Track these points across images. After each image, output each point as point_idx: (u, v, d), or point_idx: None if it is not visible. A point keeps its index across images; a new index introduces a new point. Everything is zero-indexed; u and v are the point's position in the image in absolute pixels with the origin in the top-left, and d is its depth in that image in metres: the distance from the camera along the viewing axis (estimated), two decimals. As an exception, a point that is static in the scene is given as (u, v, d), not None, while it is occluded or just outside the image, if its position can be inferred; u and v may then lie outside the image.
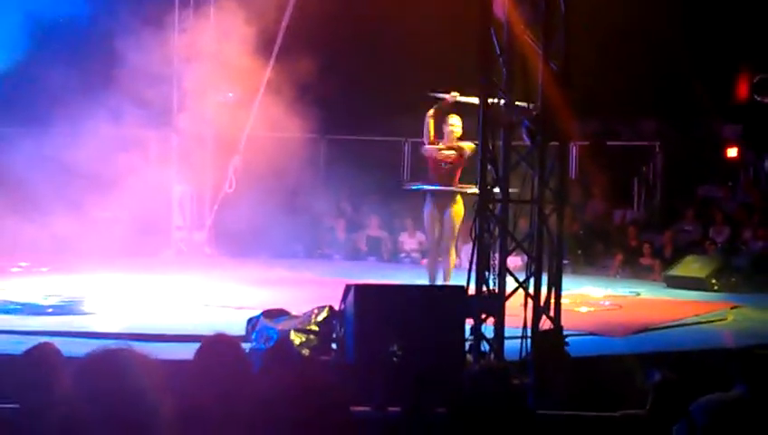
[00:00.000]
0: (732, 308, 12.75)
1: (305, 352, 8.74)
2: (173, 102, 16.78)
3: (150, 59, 15.21)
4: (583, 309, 12.12)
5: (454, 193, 11.79)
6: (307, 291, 12.10)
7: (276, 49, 15.73)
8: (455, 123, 11.86)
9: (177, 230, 17.94)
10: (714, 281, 14.53)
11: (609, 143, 17.36)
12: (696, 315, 11.98)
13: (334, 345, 8.89)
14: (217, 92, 16.60)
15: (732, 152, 17.48)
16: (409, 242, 17.96)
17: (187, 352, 4.75)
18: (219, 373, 4.29)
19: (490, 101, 8.90)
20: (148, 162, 16.61)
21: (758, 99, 14.66)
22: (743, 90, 15.33)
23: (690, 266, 14.96)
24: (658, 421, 5.17)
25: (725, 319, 12.09)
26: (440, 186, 11.84)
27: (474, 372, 6.20)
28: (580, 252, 16.67)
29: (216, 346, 4.41)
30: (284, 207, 16.94)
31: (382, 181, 18.41)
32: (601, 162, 16.77)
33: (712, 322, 11.80)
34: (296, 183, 17.00)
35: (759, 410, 5.29)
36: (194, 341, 4.87)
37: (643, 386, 4.89)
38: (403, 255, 17.95)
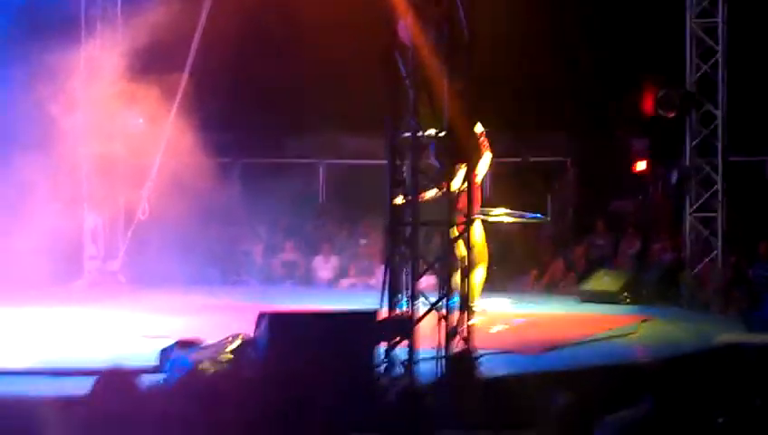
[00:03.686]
0: (642, 321, 12.94)
1: (219, 381, 8.68)
2: (81, 128, 16.51)
3: (57, 82, 15.06)
4: (497, 327, 12.18)
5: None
6: (223, 318, 12.01)
7: (186, 72, 15.64)
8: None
9: (90, 260, 17.70)
10: (625, 294, 14.71)
11: (520, 160, 17.50)
12: (609, 330, 12.12)
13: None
14: (127, 118, 16.42)
15: (641, 166, 17.72)
16: (324, 267, 17.89)
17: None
18: (114, 408, 4.24)
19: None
20: (59, 190, 16.35)
21: (661, 113, 14.90)
22: (648, 104, 15.57)
23: (602, 281, 15.13)
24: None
25: (636, 332, 12.26)
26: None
27: (390, 396, 6.25)
28: (495, 268, 16.74)
29: (110, 381, 4.35)
30: (199, 233, 16.81)
31: (298, 204, 18.35)
32: (513, 180, 16.91)
33: (623, 336, 11.96)
34: (211, 208, 16.88)
35: (663, 426, 5.36)
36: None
37: (547, 410, 4.94)
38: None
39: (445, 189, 9.24)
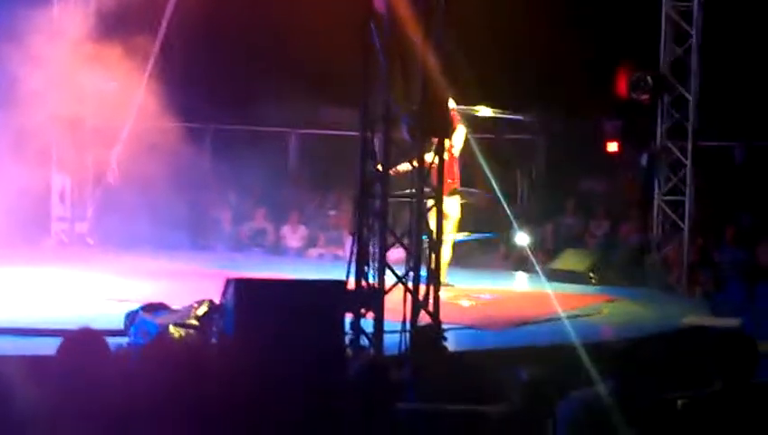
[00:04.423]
0: (608, 301, 13.04)
1: (184, 346, 8.68)
2: (50, 89, 16.34)
3: (26, 41, 14.94)
4: (464, 302, 12.24)
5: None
6: (189, 283, 12.00)
7: (160, 36, 15.56)
8: None
9: (58, 221, 17.61)
10: (592, 274, 14.81)
11: (490, 137, 17.51)
12: (574, 309, 12.20)
13: (214, 340, 8.84)
14: (98, 79, 16.28)
15: (612, 147, 17.79)
16: (292, 237, 17.90)
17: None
18: (82, 368, 4.27)
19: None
20: (27, 150, 16.23)
21: (635, 97, 14.97)
22: (622, 86, 15.62)
23: (569, 260, 15.22)
24: (528, 418, 5.27)
25: (602, 312, 12.36)
26: None
27: (354, 367, 6.24)
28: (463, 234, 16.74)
29: (78, 341, 4.38)
30: (169, 198, 16.74)
31: (269, 172, 18.31)
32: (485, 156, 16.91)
33: (589, 315, 12.05)
34: (181, 173, 16.82)
35: (625, 405, 5.41)
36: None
37: (511, 386, 4.98)
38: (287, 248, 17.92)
39: (416, 163, 9.25)
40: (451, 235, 12.92)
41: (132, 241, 16.36)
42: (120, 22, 15.41)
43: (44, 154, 16.66)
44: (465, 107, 12.92)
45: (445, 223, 11.83)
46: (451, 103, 12.30)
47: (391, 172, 9.31)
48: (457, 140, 12.79)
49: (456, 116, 12.66)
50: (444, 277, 12.35)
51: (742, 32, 16.46)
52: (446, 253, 12.77)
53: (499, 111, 13.88)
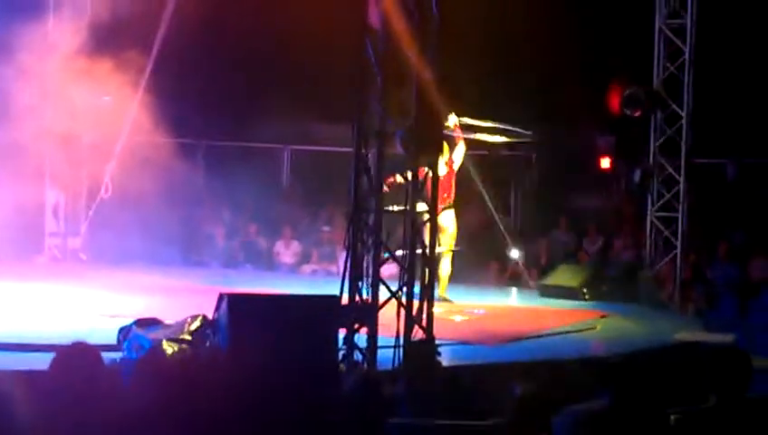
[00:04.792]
0: (602, 317, 13.04)
1: (177, 361, 8.66)
2: (45, 104, 16.35)
3: (22, 56, 14.94)
4: (457, 318, 12.24)
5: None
6: (182, 299, 11.98)
7: (154, 51, 15.58)
8: None
9: (51, 236, 17.59)
10: (585, 290, 14.80)
11: (485, 153, 17.54)
12: (568, 325, 12.21)
13: (207, 355, 8.82)
14: (92, 95, 16.28)
15: (605, 163, 17.81)
16: (285, 253, 17.88)
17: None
18: (75, 383, 4.27)
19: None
20: (21, 164, 16.22)
21: (627, 112, 15.01)
22: (615, 102, 15.66)
23: (563, 276, 15.23)
24: (521, 434, 5.26)
25: (595, 328, 12.36)
26: None
27: (348, 382, 6.25)
28: (460, 248, 16.74)
29: (72, 355, 4.37)
30: (162, 213, 16.73)
31: (263, 188, 18.31)
32: (478, 172, 16.95)
33: (582, 331, 12.05)
34: (174, 189, 16.82)
35: (620, 420, 5.40)
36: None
37: (506, 401, 4.98)
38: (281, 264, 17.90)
39: (411, 178, 9.27)
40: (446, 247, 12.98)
41: (125, 257, 16.33)
42: (113, 36, 15.42)
43: (38, 169, 16.65)
44: (468, 120, 13.00)
45: (441, 237, 11.90)
46: (453, 119, 12.45)
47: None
48: (458, 155, 12.92)
49: (457, 132, 12.80)
50: (444, 292, 12.49)
51: (734, 49, 16.51)
52: (446, 267, 12.85)
53: (497, 123, 13.89)
